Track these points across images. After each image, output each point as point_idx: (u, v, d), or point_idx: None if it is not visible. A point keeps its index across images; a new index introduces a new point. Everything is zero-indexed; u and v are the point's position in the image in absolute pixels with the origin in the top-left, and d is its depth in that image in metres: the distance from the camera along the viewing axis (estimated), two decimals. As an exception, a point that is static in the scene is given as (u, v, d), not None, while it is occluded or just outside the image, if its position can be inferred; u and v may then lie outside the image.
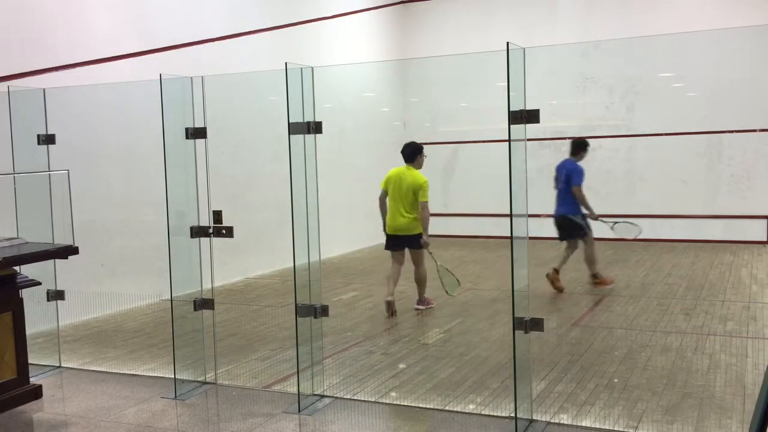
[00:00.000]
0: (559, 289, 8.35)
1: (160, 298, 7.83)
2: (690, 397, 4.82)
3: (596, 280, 8.64)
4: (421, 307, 7.68)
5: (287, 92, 4.67)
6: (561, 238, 8.68)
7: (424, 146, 7.77)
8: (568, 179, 8.44)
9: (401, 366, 5.71)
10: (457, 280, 7.64)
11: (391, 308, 7.44)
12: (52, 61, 7.29)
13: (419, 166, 7.64)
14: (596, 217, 8.56)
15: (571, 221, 8.52)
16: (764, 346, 6.11)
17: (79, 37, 7.63)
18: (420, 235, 7.52)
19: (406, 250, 7.68)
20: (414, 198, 7.46)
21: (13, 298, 4.62)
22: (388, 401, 4.91)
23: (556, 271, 8.43)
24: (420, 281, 7.68)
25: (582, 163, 8.58)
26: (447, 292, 7.52)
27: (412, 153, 7.63)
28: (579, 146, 8.66)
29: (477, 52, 12.44)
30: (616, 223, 8.75)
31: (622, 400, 4.79)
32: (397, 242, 7.63)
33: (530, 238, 4.42)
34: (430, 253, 7.63)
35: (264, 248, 9.94)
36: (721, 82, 11.91)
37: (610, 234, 12.43)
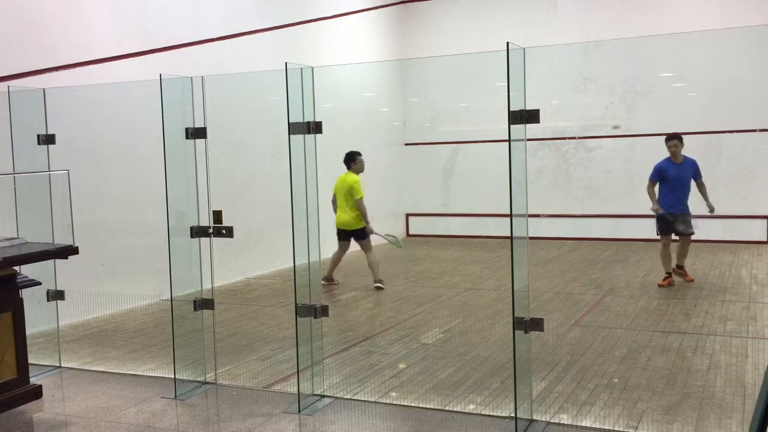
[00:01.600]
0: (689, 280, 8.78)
1: (160, 298, 7.83)
2: (690, 397, 4.82)
3: (680, 270, 8.85)
4: (380, 285, 8.84)
5: (287, 92, 4.67)
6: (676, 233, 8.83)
7: (359, 153, 8.96)
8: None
9: (401, 366, 5.71)
10: (400, 243, 9.58)
11: (329, 282, 9.06)
12: (52, 61, 7.29)
13: (357, 170, 8.89)
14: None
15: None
16: (764, 346, 6.11)
17: (79, 37, 7.63)
18: (363, 229, 8.85)
19: (353, 242, 9.04)
20: (351, 196, 8.76)
21: (13, 298, 4.62)
22: (388, 401, 4.92)
23: (679, 266, 8.80)
24: (372, 264, 8.93)
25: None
26: (398, 246, 9.59)
27: (348, 159, 8.93)
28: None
29: (477, 52, 12.45)
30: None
31: (622, 400, 4.79)
32: (343, 235, 8.99)
33: (530, 238, 4.42)
34: (376, 233, 9.04)
35: (264, 248, 9.94)
36: (721, 82, 11.91)
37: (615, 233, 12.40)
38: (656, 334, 6.48)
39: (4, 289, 4.54)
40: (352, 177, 8.79)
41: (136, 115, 8.11)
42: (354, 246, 9.14)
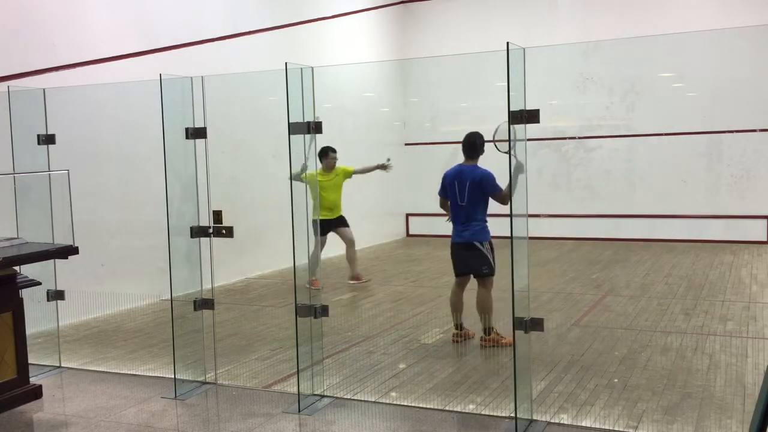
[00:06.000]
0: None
1: (160, 298, 7.83)
2: (690, 397, 4.82)
3: (489, 336, 6.11)
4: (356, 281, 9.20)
5: (287, 92, 4.67)
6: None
7: (329, 149, 8.91)
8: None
9: (401, 366, 5.71)
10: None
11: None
12: (52, 61, 7.28)
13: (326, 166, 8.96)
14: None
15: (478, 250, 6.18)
16: (764, 346, 6.11)
17: (79, 37, 7.63)
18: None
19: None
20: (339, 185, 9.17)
21: (13, 298, 4.62)
22: (388, 401, 4.92)
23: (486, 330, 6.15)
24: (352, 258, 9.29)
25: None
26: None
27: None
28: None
29: (477, 52, 12.44)
30: None
31: (622, 400, 4.79)
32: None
33: (530, 238, 4.42)
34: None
35: (264, 248, 9.94)
36: (721, 82, 11.91)
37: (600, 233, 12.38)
38: (656, 334, 6.48)
39: (4, 289, 4.54)
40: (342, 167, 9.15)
41: (136, 115, 8.11)
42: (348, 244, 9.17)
